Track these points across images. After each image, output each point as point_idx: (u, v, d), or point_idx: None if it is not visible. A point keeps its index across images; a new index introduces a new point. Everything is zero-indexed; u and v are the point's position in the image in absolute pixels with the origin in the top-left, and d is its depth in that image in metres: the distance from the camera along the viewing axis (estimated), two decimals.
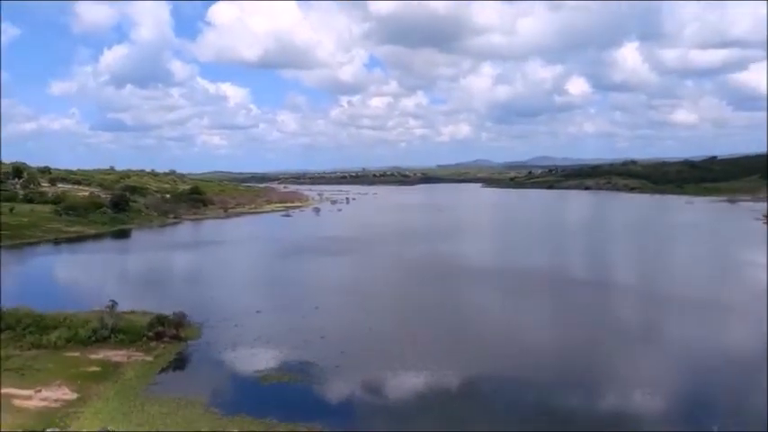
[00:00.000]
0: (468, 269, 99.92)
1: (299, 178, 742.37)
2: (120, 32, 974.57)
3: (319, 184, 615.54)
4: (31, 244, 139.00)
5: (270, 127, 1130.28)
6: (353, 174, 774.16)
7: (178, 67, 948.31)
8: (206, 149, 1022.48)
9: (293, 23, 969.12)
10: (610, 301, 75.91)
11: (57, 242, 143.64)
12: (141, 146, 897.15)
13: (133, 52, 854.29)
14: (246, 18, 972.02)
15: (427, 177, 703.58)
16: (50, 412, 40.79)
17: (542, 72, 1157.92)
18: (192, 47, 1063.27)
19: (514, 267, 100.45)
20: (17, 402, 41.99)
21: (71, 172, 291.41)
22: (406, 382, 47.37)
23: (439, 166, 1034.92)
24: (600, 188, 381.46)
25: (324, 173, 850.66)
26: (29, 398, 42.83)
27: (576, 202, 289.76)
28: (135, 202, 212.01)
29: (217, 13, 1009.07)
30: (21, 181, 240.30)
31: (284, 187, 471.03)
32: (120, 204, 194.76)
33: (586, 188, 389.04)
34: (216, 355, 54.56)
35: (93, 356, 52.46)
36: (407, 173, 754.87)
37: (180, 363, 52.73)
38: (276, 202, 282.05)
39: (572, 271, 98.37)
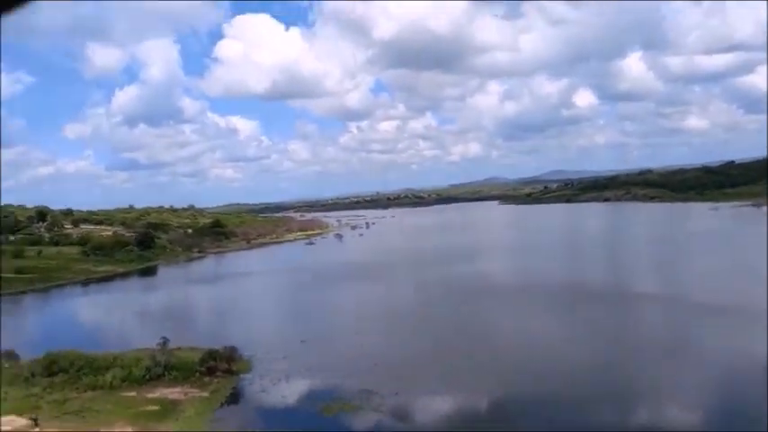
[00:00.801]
0: (506, 288, 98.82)
1: (314, 206, 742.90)
2: (130, 74, 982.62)
3: (334, 210, 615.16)
4: (60, 286, 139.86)
5: (281, 157, 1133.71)
6: (367, 198, 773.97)
7: (188, 104, 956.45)
8: (220, 183, 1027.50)
9: (298, 54, 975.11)
10: (670, 316, 74.61)
11: (87, 283, 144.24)
12: (156, 183, 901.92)
13: (144, 92, 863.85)
14: (253, 52, 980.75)
15: (442, 198, 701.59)
16: None
17: (548, 86, 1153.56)
18: (201, 83, 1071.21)
19: (561, 284, 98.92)
20: None
21: (92, 213, 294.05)
22: (472, 407, 46.58)
23: (451, 185, 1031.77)
24: (619, 199, 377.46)
25: (338, 198, 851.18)
26: None
27: (599, 215, 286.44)
28: (159, 238, 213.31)
29: (223, 48, 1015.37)
30: (45, 224, 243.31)
31: (300, 215, 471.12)
32: (146, 242, 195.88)
33: (605, 200, 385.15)
34: (271, 387, 54.04)
35: (149, 395, 52.15)
36: (422, 194, 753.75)
37: (237, 397, 52.29)
38: (297, 231, 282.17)
39: (616, 285, 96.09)
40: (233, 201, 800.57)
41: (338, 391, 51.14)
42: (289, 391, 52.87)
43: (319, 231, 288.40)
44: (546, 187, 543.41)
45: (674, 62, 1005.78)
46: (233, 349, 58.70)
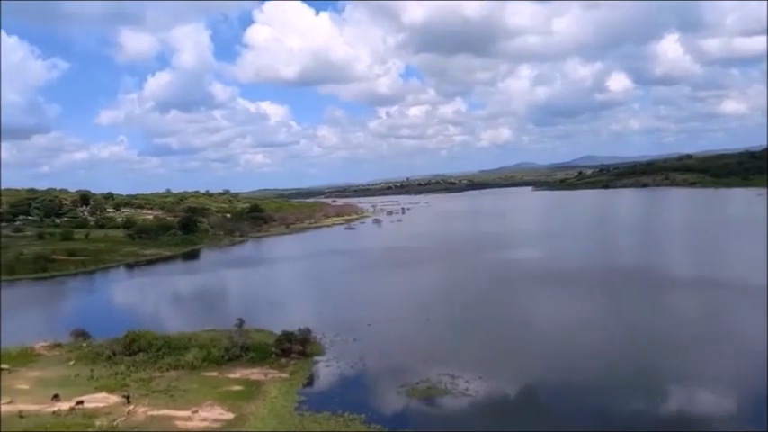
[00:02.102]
0: (565, 274, 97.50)
1: (345, 191, 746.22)
2: (162, 60, 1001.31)
3: (365, 195, 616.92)
4: (110, 267, 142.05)
5: (310, 142, 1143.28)
6: (398, 184, 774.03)
7: (219, 90, 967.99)
8: (249, 168, 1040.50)
9: (328, 39, 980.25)
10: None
11: (136, 265, 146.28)
12: (187, 168, 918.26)
13: (175, 78, 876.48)
14: (283, 37, 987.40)
15: (473, 183, 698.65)
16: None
17: (581, 70, 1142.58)
18: (232, 69, 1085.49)
19: (622, 269, 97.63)
20: (179, 423, 41.94)
21: (133, 197, 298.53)
22: (567, 392, 45.79)
23: (481, 171, 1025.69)
24: (658, 185, 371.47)
25: (368, 184, 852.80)
26: (188, 419, 42.71)
27: (642, 202, 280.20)
28: (200, 222, 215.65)
29: (254, 34, 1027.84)
30: (88, 208, 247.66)
31: (333, 201, 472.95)
32: (189, 226, 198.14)
33: (643, 185, 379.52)
34: (349, 369, 53.86)
35: (231, 376, 52.39)
36: (453, 180, 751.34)
37: (318, 379, 52.14)
38: (334, 216, 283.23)
39: (685, 272, 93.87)
40: (263, 186, 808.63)
41: (418, 374, 50.55)
42: (369, 374, 52.63)
43: (356, 217, 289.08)
44: (580, 173, 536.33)
45: (712, 44, 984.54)
46: (307, 331, 58.67)
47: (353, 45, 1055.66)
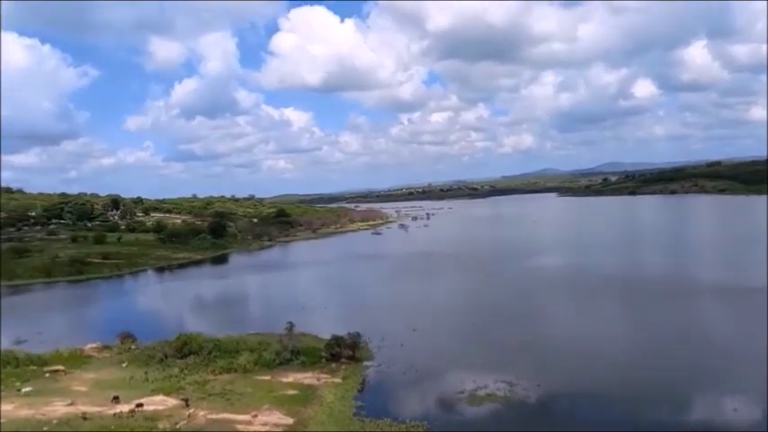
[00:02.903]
0: (609, 282, 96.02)
1: (367, 197, 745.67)
2: (189, 67, 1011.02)
3: (388, 201, 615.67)
4: (143, 271, 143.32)
5: (332, 148, 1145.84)
6: (420, 189, 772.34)
7: (244, 96, 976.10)
8: (272, 174, 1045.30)
9: (353, 46, 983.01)
10: None
11: (169, 269, 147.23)
12: (211, 174, 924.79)
13: (202, 85, 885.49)
14: (308, 44, 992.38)
15: (496, 189, 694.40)
16: None
17: (606, 77, 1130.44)
18: (257, 75, 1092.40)
19: (660, 278, 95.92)
20: (240, 428, 41.61)
21: (161, 201, 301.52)
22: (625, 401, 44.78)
23: (504, 177, 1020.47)
24: (686, 192, 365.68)
25: (390, 190, 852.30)
26: (249, 423, 42.37)
27: (673, 208, 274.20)
28: (229, 227, 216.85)
29: (279, 41, 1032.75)
30: (118, 212, 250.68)
31: (355, 206, 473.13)
32: (218, 230, 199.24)
33: (671, 192, 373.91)
34: (401, 375, 53.20)
35: (284, 380, 52.04)
36: (475, 186, 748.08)
37: (371, 385, 51.53)
38: (359, 221, 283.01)
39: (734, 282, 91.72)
40: (285, 191, 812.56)
41: (473, 380, 49.73)
42: (422, 380, 51.85)
43: (381, 222, 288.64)
44: (605, 179, 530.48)
45: (741, 51, 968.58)
46: (357, 336, 58.18)
47: (377, 52, 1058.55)
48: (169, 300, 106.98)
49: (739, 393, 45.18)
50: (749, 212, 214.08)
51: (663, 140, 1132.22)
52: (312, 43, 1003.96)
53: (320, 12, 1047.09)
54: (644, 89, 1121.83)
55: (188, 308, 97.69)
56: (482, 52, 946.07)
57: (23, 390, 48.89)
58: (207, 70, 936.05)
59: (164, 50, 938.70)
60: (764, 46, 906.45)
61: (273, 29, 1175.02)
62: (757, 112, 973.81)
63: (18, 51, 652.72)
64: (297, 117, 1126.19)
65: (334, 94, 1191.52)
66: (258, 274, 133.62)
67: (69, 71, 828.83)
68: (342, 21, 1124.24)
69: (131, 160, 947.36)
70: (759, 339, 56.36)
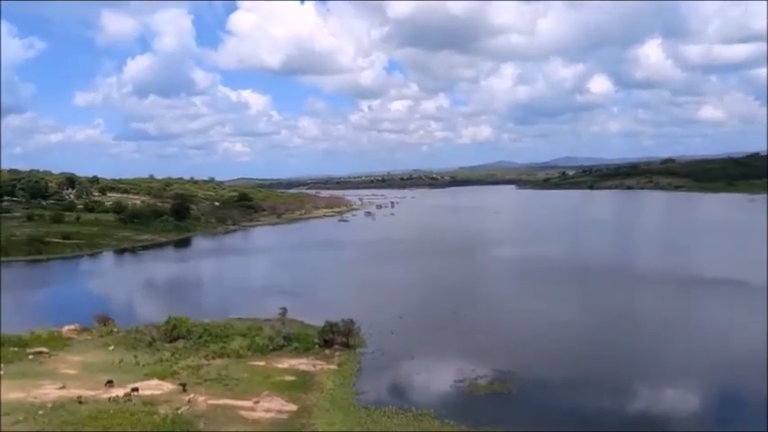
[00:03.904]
0: (575, 270, 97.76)
1: (326, 183, 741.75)
2: (143, 43, 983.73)
3: (347, 188, 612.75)
4: (105, 252, 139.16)
5: (291, 133, 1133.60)
6: (379, 177, 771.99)
7: (200, 76, 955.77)
8: (228, 156, 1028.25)
9: (313, 29, 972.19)
10: None
11: (132, 250, 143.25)
12: (164, 154, 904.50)
13: (156, 62, 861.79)
14: (267, 25, 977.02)
15: (456, 180, 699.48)
16: (284, 424, 39.29)
17: (563, 71, 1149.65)
18: (214, 55, 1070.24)
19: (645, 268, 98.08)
20: (244, 414, 40.56)
21: (118, 181, 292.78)
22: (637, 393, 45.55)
23: (461, 168, 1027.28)
24: (642, 188, 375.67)
25: (348, 177, 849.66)
26: (252, 409, 41.37)
27: (635, 204, 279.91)
28: (192, 209, 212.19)
29: (238, 20, 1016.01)
30: (74, 191, 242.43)
31: (316, 192, 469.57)
32: (181, 212, 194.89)
33: (628, 188, 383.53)
34: (398, 363, 52.86)
35: (279, 365, 51.08)
36: (435, 175, 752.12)
37: (369, 372, 50.84)
38: (324, 208, 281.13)
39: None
40: (242, 175, 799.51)
41: (472, 370, 49.76)
42: (420, 368, 51.71)
43: (345, 209, 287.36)
44: (563, 173, 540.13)
45: (693, 51, 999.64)
46: (350, 323, 57.44)
47: (338, 36, 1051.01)
48: (139, 282, 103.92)
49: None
50: (704, 208, 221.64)
51: (616, 136, 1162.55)
52: (271, 24, 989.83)
53: None
54: (599, 85, 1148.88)
55: (161, 291, 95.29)
56: (442, 42, 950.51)
57: None
58: (161, 47, 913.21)
59: (116, 24, 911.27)
60: (716, 46, 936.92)
61: (231, 8, 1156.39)
62: (706, 112, 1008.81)
63: None
64: (255, 99, 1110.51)
65: (292, 78, 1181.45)
66: (230, 257, 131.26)
67: (14, 42, 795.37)
68: (302, 3, 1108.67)
69: (81, 137, 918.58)
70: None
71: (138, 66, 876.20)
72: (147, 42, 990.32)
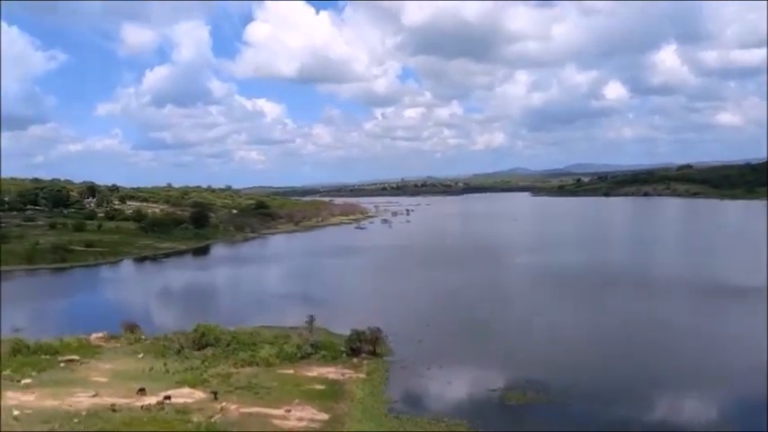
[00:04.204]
0: (600, 278, 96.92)
1: (340, 190, 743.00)
2: (161, 55, 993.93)
3: (361, 195, 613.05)
4: (127, 259, 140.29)
5: (305, 141, 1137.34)
6: (393, 185, 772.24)
7: (217, 86, 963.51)
8: (244, 165, 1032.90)
9: (328, 38, 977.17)
10: None
11: (154, 258, 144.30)
12: (181, 163, 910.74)
13: (174, 73, 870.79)
14: (282, 35, 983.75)
15: (470, 187, 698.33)
16: None
17: (578, 77, 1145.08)
18: (230, 65, 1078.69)
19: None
20: (277, 422, 40.46)
21: (137, 189, 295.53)
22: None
23: (475, 175, 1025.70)
24: (659, 194, 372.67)
25: (361, 184, 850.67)
26: (284, 418, 41.27)
27: (651, 209, 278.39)
28: (210, 217, 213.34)
29: (254, 31, 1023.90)
30: (95, 199, 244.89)
31: (330, 200, 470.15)
32: (200, 220, 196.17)
33: (645, 194, 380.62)
34: (426, 372, 52.27)
35: (308, 374, 50.96)
36: (449, 183, 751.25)
37: (398, 381, 50.48)
38: (340, 215, 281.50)
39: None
40: (257, 183, 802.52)
41: (504, 379, 49.42)
42: (450, 377, 51.08)
43: (361, 216, 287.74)
44: (579, 180, 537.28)
45: (710, 56, 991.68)
46: (378, 331, 57.27)
47: (352, 45, 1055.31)
48: (163, 290, 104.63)
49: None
50: (725, 215, 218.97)
51: (631, 143, 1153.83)
52: (287, 34, 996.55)
53: (296, 3, 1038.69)
54: (614, 91, 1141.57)
55: (184, 298, 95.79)
56: (457, 49, 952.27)
57: (23, 382, 46.51)
58: (179, 58, 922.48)
59: (136, 36, 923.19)
60: (733, 51, 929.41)
61: (248, 18, 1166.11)
62: (724, 117, 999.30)
63: None
64: (270, 108, 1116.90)
65: (307, 86, 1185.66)
66: (251, 265, 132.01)
67: (37, 54, 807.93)
68: (317, 12, 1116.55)
69: (100, 147, 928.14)
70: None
71: (156, 76, 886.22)
72: (165, 53, 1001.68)
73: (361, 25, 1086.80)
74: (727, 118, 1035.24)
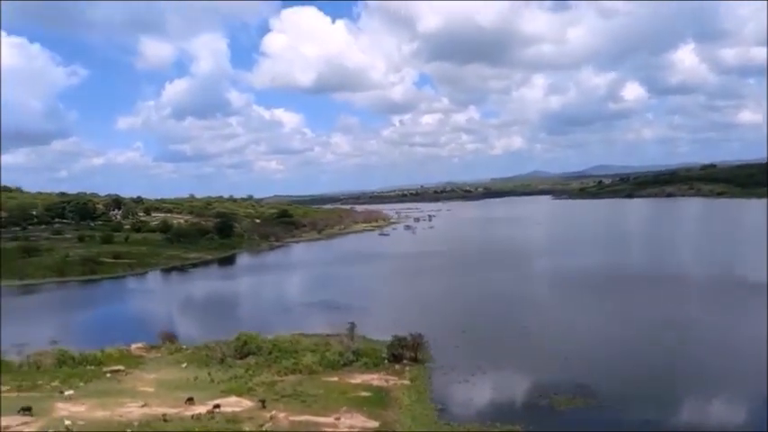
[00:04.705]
0: (634, 280, 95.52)
1: (359, 198, 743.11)
2: (180, 67, 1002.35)
3: (381, 203, 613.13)
4: (155, 270, 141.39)
5: (324, 149, 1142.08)
6: (413, 191, 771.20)
7: (235, 97, 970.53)
8: (263, 174, 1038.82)
9: (344, 47, 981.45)
10: None
11: (182, 268, 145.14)
12: (201, 174, 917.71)
13: (193, 85, 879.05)
14: (299, 45, 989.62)
15: (490, 192, 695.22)
16: None
17: (596, 79, 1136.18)
18: (248, 76, 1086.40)
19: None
20: (329, 430, 40.17)
21: (161, 201, 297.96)
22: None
23: (493, 179, 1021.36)
24: (683, 195, 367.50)
25: (381, 191, 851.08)
26: (334, 426, 40.92)
27: (677, 210, 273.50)
28: (235, 227, 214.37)
29: (271, 42, 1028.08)
30: (120, 212, 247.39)
31: (351, 208, 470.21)
32: (225, 230, 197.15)
33: (668, 195, 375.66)
34: (469, 377, 51.66)
35: (352, 381, 50.61)
36: (468, 188, 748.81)
37: (442, 387, 49.98)
38: (362, 222, 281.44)
39: None
40: (276, 192, 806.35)
41: (550, 383, 48.56)
42: (494, 382, 50.59)
43: (383, 223, 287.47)
44: (600, 182, 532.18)
45: (729, 54, 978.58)
46: (419, 337, 56.76)
47: (368, 53, 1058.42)
48: (194, 299, 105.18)
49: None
50: (754, 215, 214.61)
51: (651, 143, 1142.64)
52: (303, 44, 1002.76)
53: (311, 12, 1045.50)
54: (632, 92, 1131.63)
55: (217, 307, 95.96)
56: (473, 54, 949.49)
57: (66, 393, 46.68)
58: (198, 70, 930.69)
59: (155, 50, 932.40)
60: (753, 49, 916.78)
61: (265, 29, 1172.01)
62: (746, 116, 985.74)
63: (6, 50, 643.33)
64: (288, 118, 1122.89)
65: (325, 95, 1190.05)
66: (280, 273, 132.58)
67: (58, 70, 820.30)
68: (333, 22, 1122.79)
69: (121, 160, 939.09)
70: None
71: (175, 89, 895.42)
72: (184, 66, 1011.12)
73: (377, 33, 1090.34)
74: (747, 116, 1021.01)
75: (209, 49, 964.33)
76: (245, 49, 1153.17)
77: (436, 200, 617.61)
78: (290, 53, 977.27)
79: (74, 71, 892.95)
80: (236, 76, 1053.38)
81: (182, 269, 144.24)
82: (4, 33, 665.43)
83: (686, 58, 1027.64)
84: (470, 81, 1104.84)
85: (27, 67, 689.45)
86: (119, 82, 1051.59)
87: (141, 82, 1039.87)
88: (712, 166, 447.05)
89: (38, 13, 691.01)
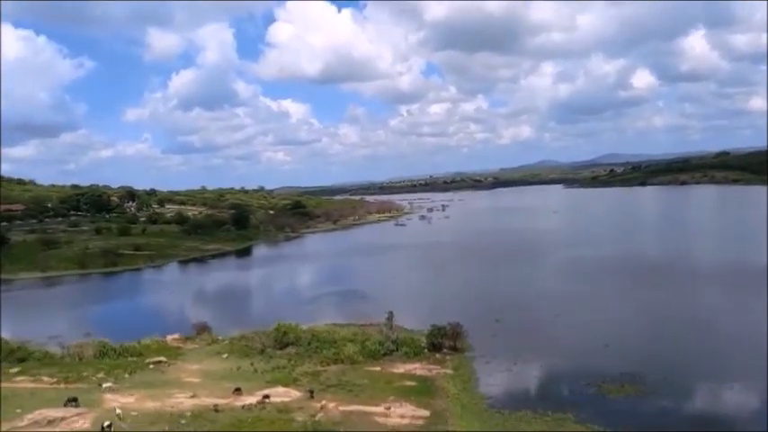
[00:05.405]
0: (661, 268, 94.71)
1: (369, 189, 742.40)
2: (187, 59, 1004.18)
3: (390, 193, 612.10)
4: (176, 261, 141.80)
5: (331, 140, 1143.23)
6: (422, 181, 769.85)
7: (242, 88, 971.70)
8: (271, 165, 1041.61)
9: (350, 37, 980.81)
10: None
11: (202, 260, 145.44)
12: (210, 166, 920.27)
13: (199, 76, 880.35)
14: (305, 35, 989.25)
15: (500, 181, 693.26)
16: (423, 430, 38.54)
17: (605, 67, 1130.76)
18: (255, 67, 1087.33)
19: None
20: (380, 420, 39.85)
21: (174, 193, 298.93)
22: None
23: (502, 169, 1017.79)
24: (697, 182, 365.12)
25: (388, 182, 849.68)
26: (386, 415, 40.65)
27: (693, 198, 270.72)
28: (250, 218, 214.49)
29: (277, 32, 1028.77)
30: (134, 204, 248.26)
31: (362, 198, 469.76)
32: (241, 221, 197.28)
33: (682, 183, 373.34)
34: (512, 366, 51.26)
35: (395, 371, 50.36)
36: (478, 177, 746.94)
37: (486, 375, 49.58)
38: (376, 213, 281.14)
39: None
40: (285, 183, 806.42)
41: (595, 371, 48.15)
42: (538, 371, 50.28)
43: (397, 213, 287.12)
44: (612, 170, 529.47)
45: (740, 40, 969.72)
46: (458, 326, 56.39)
47: (375, 42, 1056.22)
48: (221, 290, 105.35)
49: None
50: None
51: (661, 131, 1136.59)
52: (309, 34, 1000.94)
53: (317, 2, 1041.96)
54: (642, 80, 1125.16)
55: (244, 297, 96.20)
56: (480, 42, 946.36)
57: (104, 385, 46.46)
58: (205, 61, 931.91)
59: (161, 42, 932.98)
60: (764, 35, 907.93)
61: (270, 19, 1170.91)
62: (757, 103, 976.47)
63: (13, 43, 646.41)
64: (295, 109, 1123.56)
65: (332, 86, 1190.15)
66: (301, 263, 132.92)
67: (65, 63, 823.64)
68: (339, 11, 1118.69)
69: (130, 152, 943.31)
70: None
71: (182, 80, 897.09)
72: (191, 57, 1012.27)
73: (384, 22, 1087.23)
74: (759, 103, 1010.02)
75: (216, 40, 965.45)
76: (252, 40, 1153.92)
77: (446, 190, 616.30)
78: (296, 43, 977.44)
79: (80, 63, 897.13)
80: (242, 67, 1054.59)
81: (201, 260, 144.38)
82: (10, 26, 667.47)
83: (697, 45, 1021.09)
84: (478, 70, 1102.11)
85: (33, 59, 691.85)
86: (125, 74, 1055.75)
87: (148, 73, 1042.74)
88: (726, 153, 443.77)
89: (43, 7, 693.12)
